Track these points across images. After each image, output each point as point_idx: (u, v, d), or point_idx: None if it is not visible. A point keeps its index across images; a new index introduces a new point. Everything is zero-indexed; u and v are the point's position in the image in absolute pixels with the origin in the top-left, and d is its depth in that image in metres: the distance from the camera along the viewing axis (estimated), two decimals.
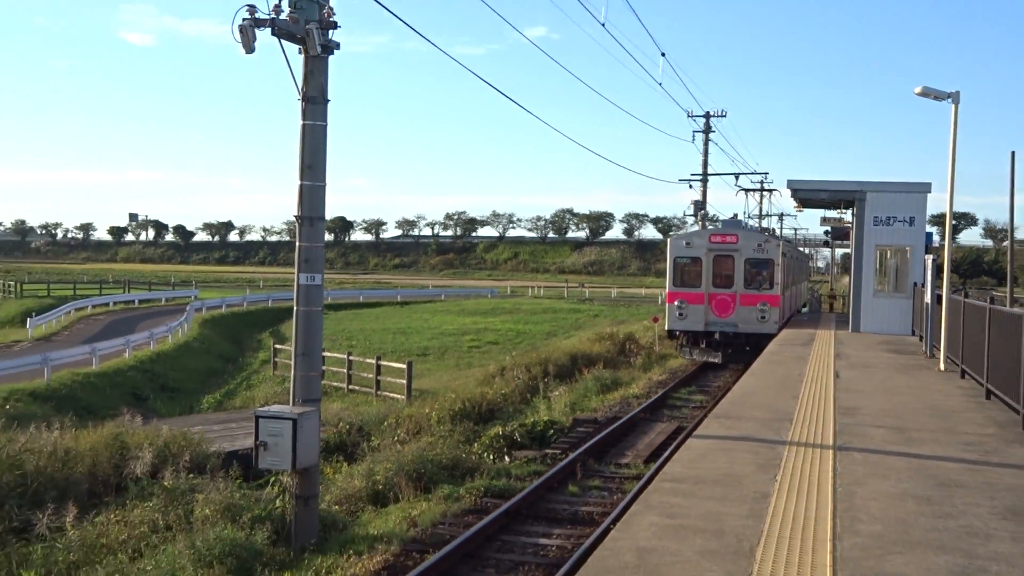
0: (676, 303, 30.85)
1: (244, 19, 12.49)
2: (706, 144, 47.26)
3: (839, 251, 64.70)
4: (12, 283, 79.70)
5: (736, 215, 44.26)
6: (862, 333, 29.49)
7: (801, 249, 58.03)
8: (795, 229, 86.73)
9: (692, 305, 30.52)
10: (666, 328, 32.29)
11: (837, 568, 7.54)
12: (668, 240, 32.79)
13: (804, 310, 46.81)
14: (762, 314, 29.84)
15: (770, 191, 56.81)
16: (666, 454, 17.98)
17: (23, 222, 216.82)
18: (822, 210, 47.79)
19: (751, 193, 55.52)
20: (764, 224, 57.06)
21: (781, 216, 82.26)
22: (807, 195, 33.68)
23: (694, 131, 47.38)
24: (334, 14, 13.54)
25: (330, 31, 13.54)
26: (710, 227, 34.05)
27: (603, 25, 27.38)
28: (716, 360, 30.87)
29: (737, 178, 53.02)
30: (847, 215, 42.18)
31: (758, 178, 56.69)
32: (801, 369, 20.35)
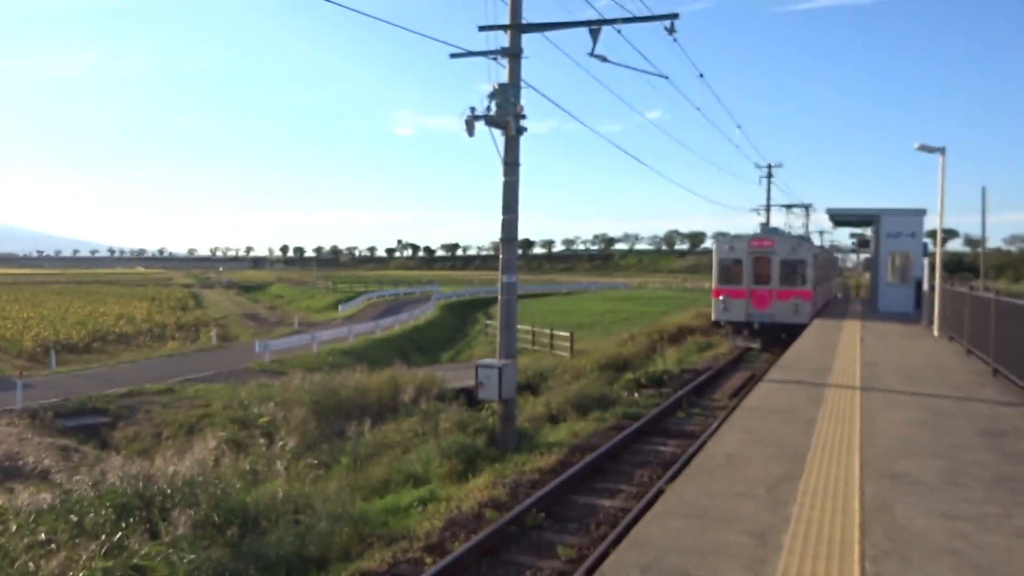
0: (721, 298, 24.72)
1: (467, 116, 12.73)
2: (768, 184, 45.87)
3: (862, 255, 61.36)
4: (330, 283, 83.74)
5: (787, 229, 42.24)
6: (879, 312, 27.99)
7: (836, 255, 54.46)
8: (831, 241, 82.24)
9: (735, 300, 24.46)
10: (712, 319, 25.99)
11: (863, 468, 7.22)
12: (714, 244, 26.31)
13: (839, 295, 44.54)
14: (796, 307, 23.79)
15: (807, 207, 53.37)
16: (744, 392, 17.47)
17: (336, 246, 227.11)
18: (850, 227, 45.40)
19: (797, 216, 53.01)
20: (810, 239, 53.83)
21: (821, 232, 78.44)
22: (840, 218, 32.15)
23: (760, 176, 46.04)
24: (523, 109, 13.64)
25: (520, 120, 13.66)
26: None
27: (698, 109, 26.99)
28: (756, 346, 24.93)
29: (790, 207, 51.16)
30: (868, 231, 40.19)
31: (802, 207, 54.20)
32: (837, 337, 19.40)
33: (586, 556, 8.36)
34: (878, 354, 15.88)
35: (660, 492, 10.04)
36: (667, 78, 16.41)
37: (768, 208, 45.93)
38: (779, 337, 23.88)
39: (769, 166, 45.98)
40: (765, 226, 41.18)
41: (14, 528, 8.84)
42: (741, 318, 24.56)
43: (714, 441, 8.40)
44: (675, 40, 14.95)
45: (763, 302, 24.30)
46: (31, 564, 7.89)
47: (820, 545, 5.36)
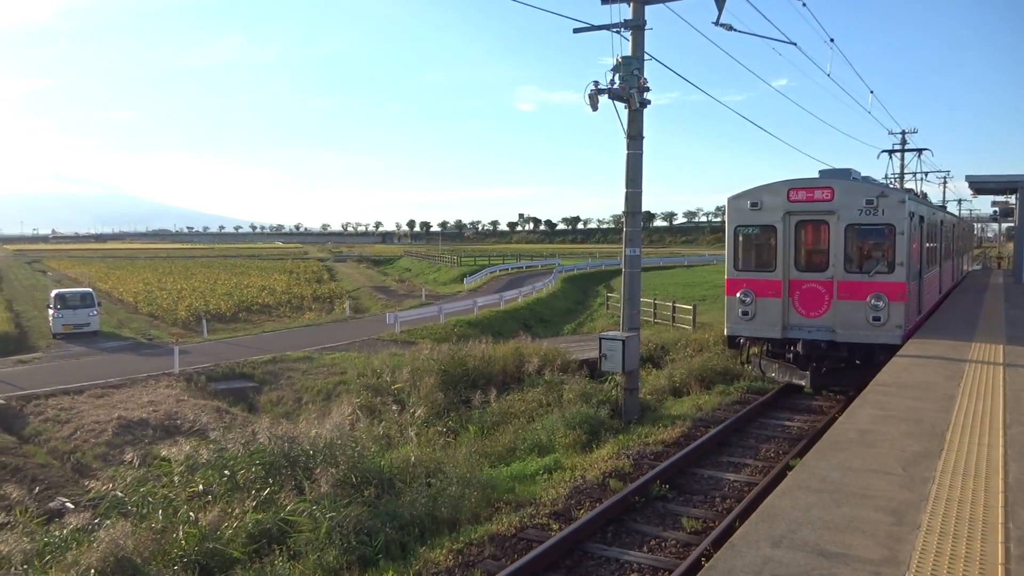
0: (739, 295, 13.98)
1: (591, 90, 12.67)
2: (903, 152, 43.31)
3: (1004, 224, 56.47)
4: (455, 257, 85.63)
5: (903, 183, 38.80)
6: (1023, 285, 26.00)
7: (972, 223, 49.45)
8: (971, 210, 76.14)
9: (763, 299, 13.76)
10: (725, 332, 14.77)
11: (1008, 447, 6.81)
12: (727, 203, 14.38)
13: (976, 267, 41.35)
14: (875, 312, 12.75)
15: (920, 151, 48.81)
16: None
17: (460, 221, 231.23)
18: (992, 196, 42.19)
19: (933, 183, 49.50)
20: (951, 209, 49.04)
21: (959, 201, 72.83)
22: (980, 185, 30.16)
23: (893, 143, 43.50)
24: (647, 82, 13.44)
25: (644, 93, 13.46)
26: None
27: (828, 75, 25.35)
28: (802, 383, 14.15)
29: (926, 175, 47.75)
30: (1012, 199, 37.34)
31: (941, 174, 50.54)
32: (978, 310, 18.15)
33: (711, 528, 8.31)
34: (1022, 328, 14.77)
35: (787, 467, 9.82)
36: (795, 44, 15.71)
37: (902, 177, 43.19)
38: (847, 365, 13.44)
39: (903, 132, 43.32)
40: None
41: (176, 480, 9.69)
42: (775, 332, 13.83)
43: (846, 416, 8.11)
44: (804, 4, 14.31)
45: (813, 302, 13.53)
46: (191, 514, 8.64)
47: (960, 525, 5.13)
